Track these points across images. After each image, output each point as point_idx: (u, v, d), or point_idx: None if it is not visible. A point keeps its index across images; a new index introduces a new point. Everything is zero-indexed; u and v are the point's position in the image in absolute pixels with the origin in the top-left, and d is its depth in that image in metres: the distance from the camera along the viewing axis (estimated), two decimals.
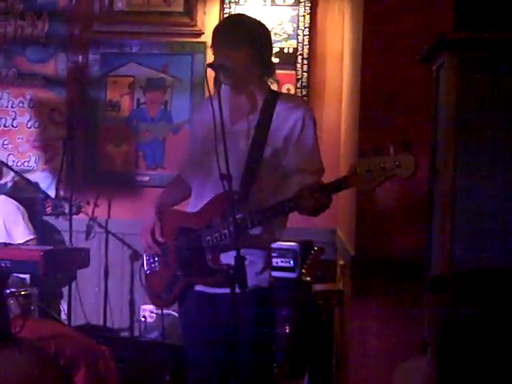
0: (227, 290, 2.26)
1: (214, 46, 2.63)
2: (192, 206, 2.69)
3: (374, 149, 2.28)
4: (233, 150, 2.47)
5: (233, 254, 2.26)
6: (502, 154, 2.18)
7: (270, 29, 2.79)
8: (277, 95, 2.70)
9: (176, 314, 4.21)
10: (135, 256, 4.29)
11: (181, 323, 2.81)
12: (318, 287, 3.67)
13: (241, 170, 2.55)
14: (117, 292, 4.41)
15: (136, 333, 4.35)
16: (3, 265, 2.93)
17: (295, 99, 2.80)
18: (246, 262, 2.34)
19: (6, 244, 3.24)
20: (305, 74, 4.51)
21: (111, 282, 4.36)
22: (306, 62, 4.51)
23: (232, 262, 2.27)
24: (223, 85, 2.57)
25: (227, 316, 2.31)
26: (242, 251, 2.28)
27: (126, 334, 4.38)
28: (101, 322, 4.31)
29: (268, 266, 2.65)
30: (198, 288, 2.61)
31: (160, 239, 2.68)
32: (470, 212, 2.16)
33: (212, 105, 2.40)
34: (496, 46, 2.18)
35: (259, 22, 2.72)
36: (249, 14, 2.83)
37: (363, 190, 2.36)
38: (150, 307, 4.44)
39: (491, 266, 2.03)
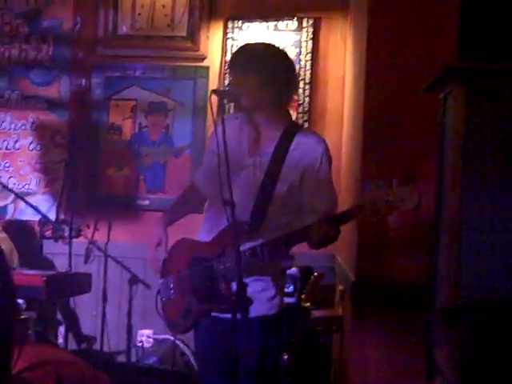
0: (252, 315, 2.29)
1: (228, 74, 2.67)
2: (205, 232, 2.70)
3: (378, 182, 2.31)
4: (249, 182, 2.49)
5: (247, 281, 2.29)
6: (509, 182, 2.17)
7: None
8: (296, 128, 2.70)
9: (173, 339, 4.20)
10: (134, 280, 4.26)
11: (196, 349, 2.81)
12: (317, 313, 3.65)
13: (252, 202, 2.57)
14: (114, 316, 4.37)
15: (133, 358, 4.31)
16: None
17: (314, 135, 2.77)
18: (259, 289, 2.37)
19: None
20: (306, 98, 4.53)
21: (109, 306, 4.32)
22: (307, 87, 4.52)
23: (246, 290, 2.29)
24: (240, 114, 2.61)
25: (238, 342, 2.32)
26: (254, 278, 2.30)
27: (122, 358, 4.34)
28: (98, 347, 4.27)
29: (280, 292, 2.65)
30: (214, 314, 2.62)
31: (164, 255, 2.67)
32: (477, 240, 2.15)
33: (224, 133, 2.39)
34: (503, 76, 2.19)
35: (272, 46, 2.73)
36: (253, 41, 2.86)
37: (367, 223, 2.39)
38: (148, 332, 4.41)
39: (501, 295, 2.01)
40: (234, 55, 2.82)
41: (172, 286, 2.73)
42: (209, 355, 2.70)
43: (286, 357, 3.42)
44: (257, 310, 2.45)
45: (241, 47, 2.84)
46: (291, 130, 2.65)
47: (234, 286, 2.48)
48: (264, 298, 2.59)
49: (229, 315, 2.49)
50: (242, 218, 2.51)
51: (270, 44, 2.85)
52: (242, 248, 2.42)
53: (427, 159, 2.92)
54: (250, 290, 2.24)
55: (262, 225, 2.55)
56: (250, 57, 2.65)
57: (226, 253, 2.52)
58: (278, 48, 2.78)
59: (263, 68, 2.60)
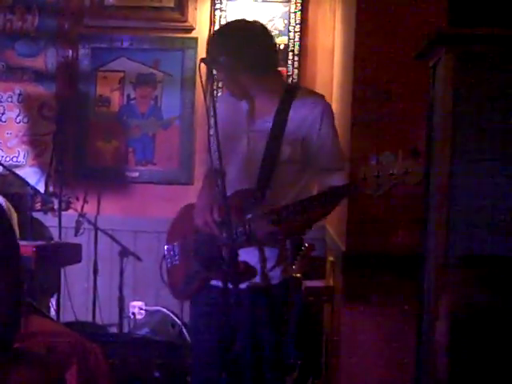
0: (242, 285, 2.31)
1: (208, 51, 2.62)
2: None
3: (385, 154, 2.29)
4: (253, 150, 2.49)
5: (249, 250, 2.29)
6: (498, 147, 2.18)
7: None
8: (294, 91, 2.66)
9: (165, 310, 4.22)
10: (124, 252, 4.26)
11: (191, 320, 2.81)
12: (308, 283, 3.67)
13: (258, 170, 2.56)
14: (106, 288, 4.38)
15: (125, 329, 4.33)
16: None
17: (312, 95, 2.74)
18: (257, 259, 2.37)
19: None
20: (295, 70, 4.51)
21: (100, 279, 4.33)
22: (296, 58, 4.51)
23: (248, 258, 2.31)
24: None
25: (234, 311, 2.33)
26: (254, 250, 2.37)
27: (114, 330, 4.35)
28: (90, 319, 4.28)
29: (280, 262, 2.63)
30: (213, 283, 2.61)
31: (217, 218, 2.59)
32: (466, 205, 2.17)
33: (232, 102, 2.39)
34: (492, 41, 2.19)
35: (245, 20, 2.73)
36: (241, 12, 2.84)
37: (370, 196, 2.36)
38: (139, 303, 4.43)
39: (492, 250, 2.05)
40: (216, 33, 2.80)
41: (177, 251, 2.73)
42: (204, 326, 2.68)
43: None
44: (255, 280, 2.48)
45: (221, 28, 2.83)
46: (289, 93, 2.63)
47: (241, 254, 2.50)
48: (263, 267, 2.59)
49: (228, 284, 2.52)
50: (248, 186, 2.52)
51: (248, 20, 2.83)
52: (247, 215, 2.47)
53: (417, 129, 2.92)
54: (250, 261, 2.26)
55: (268, 190, 2.55)
56: (223, 36, 2.66)
57: (230, 220, 2.46)
58: (252, 21, 2.75)
59: (236, 47, 2.58)
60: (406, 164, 2.25)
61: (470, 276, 1.66)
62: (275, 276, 2.62)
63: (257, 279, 2.53)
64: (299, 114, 2.58)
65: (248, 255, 2.45)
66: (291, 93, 2.63)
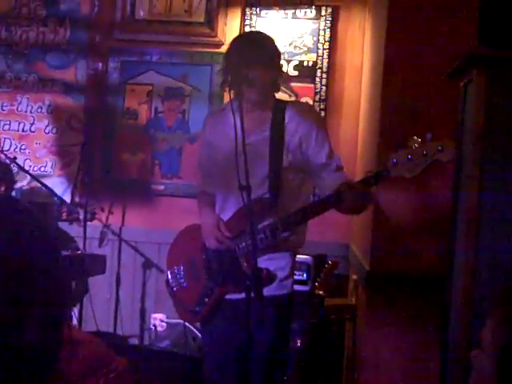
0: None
1: (239, 62, 2.62)
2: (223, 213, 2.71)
3: (412, 139, 2.36)
4: (253, 161, 2.50)
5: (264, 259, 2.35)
6: None
7: (290, 41, 2.86)
8: (283, 103, 2.77)
9: (186, 324, 4.22)
10: (148, 264, 4.28)
11: (206, 334, 2.81)
12: (331, 301, 3.66)
13: (265, 177, 2.58)
14: (128, 300, 4.40)
15: (146, 341, 4.34)
16: None
17: (301, 104, 2.99)
18: (273, 268, 2.38)
19: None
20: (323, 87, 4.52)
21: (123, 290, 4.35)
22: (324, 75, 4.51)
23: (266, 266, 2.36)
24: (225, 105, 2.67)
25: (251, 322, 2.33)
26: (268, 257, 2.41)
27: (135, 342, 4.36)
28: (111, 330, 4.29)
29: (292, 273, 2.68)
30: (229, 297, 2.64)
31: (228, 235, 2.64)
32: (495, 227, 2.15)
33: (233, 118, 2.39)
34: None
35: (268, 36, 2.79)
36: (270, 28, 2.89)
37: (407, 177, 2.38)
38: (161, 316, 4.43)
39: None
40: (252, 45, 2.79)
41: (183, 273, 2.74)
42: (224, 341, 2.68)
43: (298, 343, 3.44)
44: (268, 289, 2.47)
45: (254, 37, 2.84)
46: (279, 105, 2.73)
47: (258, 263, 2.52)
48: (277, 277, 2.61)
49: (240, 295, 2.51)
50: (260, 196, 2.54)
51: (263, 32, 2.90)
52: (263, 224, 2.49)
53: None
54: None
55: (280, 198, 2.60)
56: (271, 49, 2.69)
57: (246, 231, 2.51)
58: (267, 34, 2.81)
59: (279, 60, 2.72)
60: (437, 143, 2.32)
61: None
62: (287, 286, 2.63)
63: (273, 289, 2.55)
64: (294, 122, 2.67)
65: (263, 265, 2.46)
66: (281, 105, 2.73)
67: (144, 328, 4.24)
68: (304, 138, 2.65)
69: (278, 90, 2.77)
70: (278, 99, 2.81)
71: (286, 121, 2.67)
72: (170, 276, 2.81)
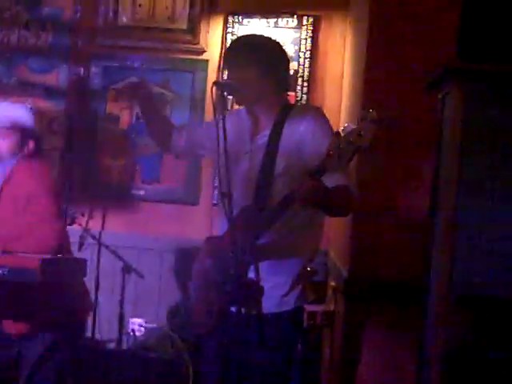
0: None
1: (224, 67, 2.67)
2: (221, 225, 2.67)
3: (344, 126, 2.20)
4: (253, 167, 2.51)
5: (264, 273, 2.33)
6: (504, 180, 2.21)
7: None
8: (290, 108, 2.69)
9: (164, 328, 4.23)
10: (127, 269, 4.28)
11: (205, 346, 2.77)
12: (308, 308, 3.68)
13: (256, 185, 2.58)
14: (106, 304, 4.38)
15: (124, 346, 4.33)
16: (0, 272, 2.92)
17: (304, 108, 2.80)
18: (270, 285, 2.36)
19: (3, 251, 3.22)
20: (304, 96, 4.56)
21: (101, 294, 4.33)
22: (305, 84, 4.56)
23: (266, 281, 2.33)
24: (239, 106, 2.64)
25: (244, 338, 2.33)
26: (267, 273, 2.37)
27: (113, 346, 4.35)
28: (89, 334, 4.28)
29: (295, 286, 2.61)
30: (232, 310, 2.51)
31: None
32: (471, 236, 2.19)
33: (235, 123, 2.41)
34: (501, 78, 2.23)
35: (269, 38, 2.75)
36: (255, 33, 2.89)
37: (340, 166, 2.25)
38: (139, 321, 4.43)
39: (493, 291, 2.06)
40: (230, 47, 2.81)
41: (196, 286, 2.73)
42: (216, 356, 2.63)
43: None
44: (268, 306, 2.44)
45: (237, 39, 2.84)
46: (284, 111, 2.66)
47: (250, 276, 2.46)
48: (276, 294, 2.56)
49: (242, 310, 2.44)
50: (251, 203, 2.54)
51: (265, 36, 2.87)
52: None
53: (424, 159, 2.96)
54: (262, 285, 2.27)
55: (267, 206, 2.53)
56: (247, 49, 2.67)
57: (236, 244, 2.45)
58: (273, 39, 2.79)
59: (262, 60, 2.62)
60: (360, 126, 2.13)
61: (467, 317, 1.67)
62: (288, 302, 2.61)
63: (269, 306, 2.49)
64: (292, 129, 2.59)
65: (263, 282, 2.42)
66: (287, 109, 2.67)
67: (122, 332, 4.23)
68: (300, 141, 2.56)
69: (274, 92, 2.65)
70: (287, 103, 2.76)
71: (286, 125, 2.61)
72: (192, 289, 2.80)
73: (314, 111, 2.70)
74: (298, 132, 2.58)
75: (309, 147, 2.55)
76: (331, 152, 2.20)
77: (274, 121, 2.63)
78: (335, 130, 2.28)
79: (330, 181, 2.35)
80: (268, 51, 2.66)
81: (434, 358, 2.02)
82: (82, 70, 4.72)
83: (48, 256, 3.08)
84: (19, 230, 3.31)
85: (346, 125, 2.20)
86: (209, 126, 2.74)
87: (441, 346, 1.97)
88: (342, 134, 2.18)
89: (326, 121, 2.63)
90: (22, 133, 3.45)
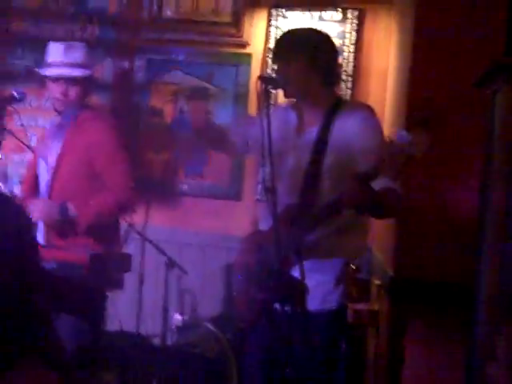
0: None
1: (272, 61, 2.67)
2: (264, 220, 2.67)
3: (397, 133, 2.15)
4: (299, 164, 2.49)
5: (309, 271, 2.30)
6: None
7: None
8: (340, 104, 2.66)
9: (208, 324, 4.23)
10: (170, 264, 4.29)
11: (248, 340, 2.78)
12: (354, 306, 3.64)
13: (302, 181, 2.56)
14: (150, 300, 4.41)
15: (168, 341, 4.34)
16: (48, 267, 2.93)
17: (355, 105, 2.72)
18: (314, 283, 2.34)
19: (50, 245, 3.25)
20: (348, 90, 4.50)
21: (145, 290, 4.36)
22: (350, 78, 4.50)
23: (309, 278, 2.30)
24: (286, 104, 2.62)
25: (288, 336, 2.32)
26: (311, 271, 2.34)
27: (157, 341, 4.37)
28: (134, 329, 4.30)
29: (341, 286, 2.61)
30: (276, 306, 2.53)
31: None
32: None
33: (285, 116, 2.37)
34: None
35: (316, 31, 2.72)
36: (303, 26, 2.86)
37: (391, 175, 2.20)
38: (183, 316, 4.44)
39: None
40: (278, 41, 2.81)
41: (240, 278, 2.73)
42: (260, 351, 2.65)
43: None
44: (311, 304, 2.44)
45: (284, 33, 2.82)
46: (334, 107, 2.63)
47: (293, 273, 2.46)
48: (319, 292, 2.55)
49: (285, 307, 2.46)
50: (296, 200, 2.52)
51: (313, 28, 2.84)
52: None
53: (473, 156, 2.89)
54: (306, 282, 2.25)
55: (314, 204, 2.51)
56: (293, 42, 2.66)
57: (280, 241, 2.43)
58: (321, 32, 2.76)
59: (307, 53, 2.61)
60: (413, 136, 2.08)
61: None
62: (333, 301, 2.59)
63: (312, 304, 2.48)
64: (341, 126, 2.57)
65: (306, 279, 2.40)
66: (337, 105, 2.64)
67: (166, 328, 4.24)
68: (349, 139, 2.53)
69: (322, 87, 2.63)
70: (338, 97, 2.73)
71: (335, 123, 2.58)
72: (234, 281, 2.79)
73: (364, 109, 2.67)
74: (347, 129, 2.56)
75: (357, 146, 2.52)
76: (383, 159, 2.17)
77: (322, 116, 2.60)
78: (386, 133, 2.25)
79: (378, 182, 2.30)
80: (314, 44, 2.64)
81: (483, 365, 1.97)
82: (127, 63, 4.73)
83: (95, 252, 3.10)
84: (92, 180, 3.36)
85: (399, 132, 2.15)
86: (253, 121, 2.73)
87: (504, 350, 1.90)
88: (396, 142, 2.14)
89: (376, 120, 2.61)
90: (89, 81, 3.52)
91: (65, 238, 3.23)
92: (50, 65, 3.52)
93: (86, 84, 3.52)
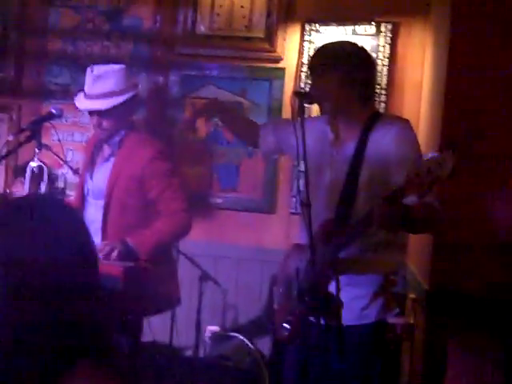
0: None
1: (308, 76, 2.69)
2: (302, 236, 2.64)
3: (428, 154, 2.16)
4: (336, 179, 2.49)
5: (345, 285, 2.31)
6: None
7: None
8: (377, 118, 2.64)
9: (241, 337, 4.23)
10: (204, 277, 4.31)
11: (286, 352, 2.78)
12: (390, 320, 3.62)
13: (339, 197, 2.56)
14: (184, 312, 4.42)
15: (200, 354, 4.36)
16: None
17: (391, 119, 2.68)
18: (350, 297, 2.33)
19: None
20: (382, 104, 4.49)
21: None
22: (383, 92, 4.49)
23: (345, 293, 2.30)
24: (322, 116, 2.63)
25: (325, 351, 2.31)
26: (348, 285, 2.34)
27: (190, 353, 4.39)
28: (167, 341, 4.33)
29: (376, 298, 2.59)
30: (312, 320, 2.54)
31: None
32: None
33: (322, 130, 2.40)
34: None
35: (351, 45, 2.71)
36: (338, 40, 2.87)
37: (417, 196, 2.19)
38: (216, 328, 4.46)
39: None
40: (313, 55, 2.82)
41: (281, 292, 2.74)
42: (297, 364, 2.64)
43: None
44: (348, 319, 2.43)
45: (319, 47, 2.81)
46: (371, 121, 2.61)
47: (330, 288, 2.45)
48: (356, 306, 2.55)
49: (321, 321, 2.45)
50: (329, 217, 2.52)
51: (347, 42, 2.83)
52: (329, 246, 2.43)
53: (510, 170, 2.87)
54: (342, 297, 2.24)
55: (350, 219, 2.50)
56: (327, 57, 2.65)
57: (316, 256, 2.44)
58: (355, 45, 2.74)
59: (341, 68, 2.59)
60: (441, 156, 2.07)
61: None
62: (369, 315, 2.57)
63: (348, 318, 2.46)
64: (378, 140, 2.55)
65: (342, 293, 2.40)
66: (374, 119, 2.62)
67: (199, 340, 4.26)
68: (385, 155, 2.51)
69: (358, 101, 2.61)
70: (375, 111, 2.72)
71: (371, 137, 2.57)
72: (275, 293, 2.80)
73: (401, 123, 2.65)
74: (383, 144, 2.54)
75: (393, 162, 2.51)
76: (410, 179, 2.16)
77: (359, 131, 2.59)
78: (437, 148, 2.23)
79: (413, 198, 2.28)
80: (348, 59, 2.62)
81: None
82: (161, 78, 4.78)
83: (131, 264, 3.11)
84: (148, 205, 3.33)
85: (429, 154, 2.15)
86: (287, 124, 2.72)
87: None
88: (424, 161, 2.13)
89: (413, 134, 2.59)
90: (129, 103, 3.39)
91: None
92: (84, 95, 3.46)
93: (124, 108, 3.39)
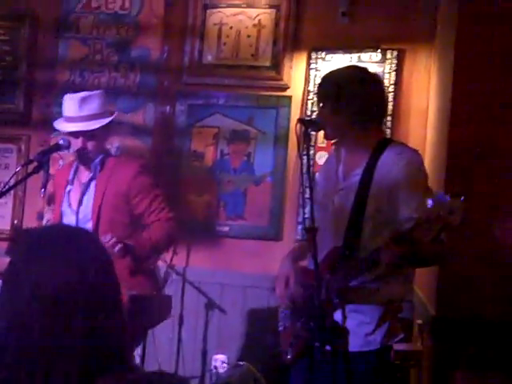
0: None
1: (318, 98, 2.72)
2: (310, 262, 2.65)
3: (439, 197, 2.15)
4: (343, 206, 2.48)
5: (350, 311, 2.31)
6: None
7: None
8: (385, 145, 2.62)
9: (247, 365, 4.20)
10: (210, 305, 4.30)
11: (291, 376, 2.75)
12: (396, 346, 3.57)
13: (345, 226, 2.54)
14: (190, 340, 4.41)
15: (207, 383, 4.33)
16: None
17: (401, 148, 2.64)
18: (355, 322, 2.31)
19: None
20: (388, 130, 4.50)
21: (185, 330, 4.36)
22: (389, 118, 4.50)
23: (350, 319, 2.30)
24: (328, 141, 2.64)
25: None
26: (352, 309, 2.32)
27: (196, 383, 4.36)
28: (173, 369, 4.30)
29: (381, 324, 2.57)
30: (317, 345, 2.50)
31: (293, 290, 2.62)
32: None
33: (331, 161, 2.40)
34: None
35: (350, 72, 2.71)
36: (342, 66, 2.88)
37: (422, 241, 2.20)
38: (222, 357, 4.42)
39: None
40: (318, 83, 2.84)
41: (287, 314, 2.72)
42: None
43: None
44: (353, 345, 2.40)
45: (324, 75, 2.83)
46: (378, 148, 2.59)
47: (334, 315, 2.44)
48: (361, 332, 2.52)
49: (327, 347, 2.41)
50: (338, 244, 2.51)
51: (352, 68, 2.84)
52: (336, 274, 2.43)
53: None
54: (347, 323, 2.23)
55: (357, 247, 2.49)
56: (327, 85, 2.67)
57: (322, 283, 2.45)
58: (355, 71, 2.75)
59: (337, 94, 2.59)
60: (451, 203, 2.10)
61: None
62: (374, 341, 2.55)
63: (355, 345, 2.44)
64: (385, 168, 2.53)
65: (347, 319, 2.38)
66: (382, 146, 2.61)
67: (205, 369, 4.22)
68: (392, 185, 2.49)
69: (361, 128, 2.60)
70: (383, 139, 2.70)
71: (378, 165, 2.54)
72: (279, 315, 2.78)
73: (410, 155, 2.60)
74: (391, 175, 2.52)
75: (400, 194, 2.50)
76: (419, 222, 2.17)
77: (367, 158, 2.58)
78: (443, 173, 2.24)
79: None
80: (344, 85, 2.61)
81: None
82: (168, 108, 4.81)
83: (135, 292, 3.11)
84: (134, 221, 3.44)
85: (439, 194, 2.16)
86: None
87: None
88: (434, 206, 2.13)
89: (422, 169, 2.57)
90: (108, 128, 3.56)
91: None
92: (66, 119, 3.56)
93: (104, 132, 3.56)
